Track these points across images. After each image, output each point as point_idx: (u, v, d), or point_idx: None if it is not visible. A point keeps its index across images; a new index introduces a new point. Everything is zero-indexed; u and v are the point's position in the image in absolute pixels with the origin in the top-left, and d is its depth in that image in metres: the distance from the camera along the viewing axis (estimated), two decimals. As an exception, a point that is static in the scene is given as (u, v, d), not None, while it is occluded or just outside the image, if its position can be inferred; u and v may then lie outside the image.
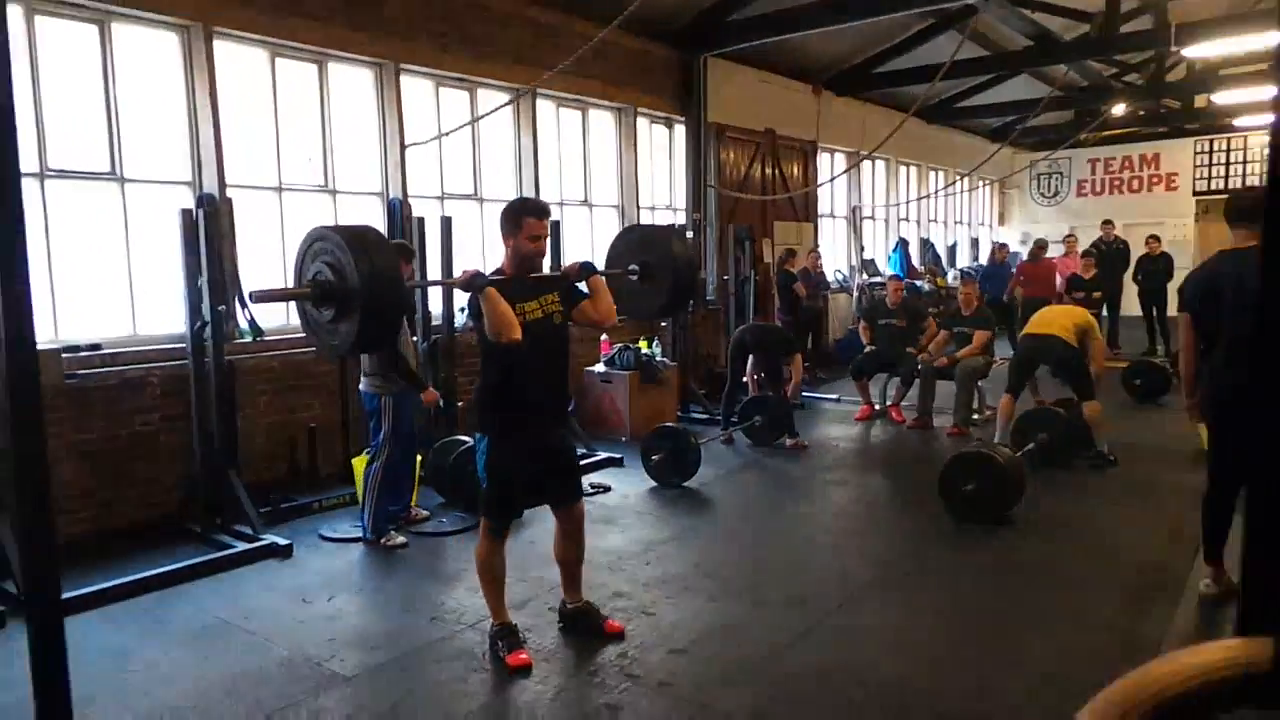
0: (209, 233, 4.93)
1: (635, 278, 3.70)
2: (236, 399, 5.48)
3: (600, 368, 7.60)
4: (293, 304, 3.48)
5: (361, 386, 5.07)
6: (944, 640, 3.65)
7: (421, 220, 6.23)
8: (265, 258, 5.92)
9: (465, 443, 5.69)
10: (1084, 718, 0.77)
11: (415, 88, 6.82)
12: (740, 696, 3.19)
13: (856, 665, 3.41)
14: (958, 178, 15.04)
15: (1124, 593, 4.10)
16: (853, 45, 10.97)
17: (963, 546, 4.76)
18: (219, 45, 5.61)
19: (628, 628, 3.71)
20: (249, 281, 5.48)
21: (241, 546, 4.74)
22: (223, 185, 5.61)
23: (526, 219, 3.26)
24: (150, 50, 5.41)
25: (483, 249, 7.23)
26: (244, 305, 5.53)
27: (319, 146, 6.28)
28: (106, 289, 5.31)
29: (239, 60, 5.80)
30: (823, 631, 3.72)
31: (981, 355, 7.43)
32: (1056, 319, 6.44)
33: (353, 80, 6.48)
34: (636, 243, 3.82)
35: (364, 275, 2.49)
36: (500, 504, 3.41)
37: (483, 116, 6.87)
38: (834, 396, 9.12)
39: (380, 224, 6.55)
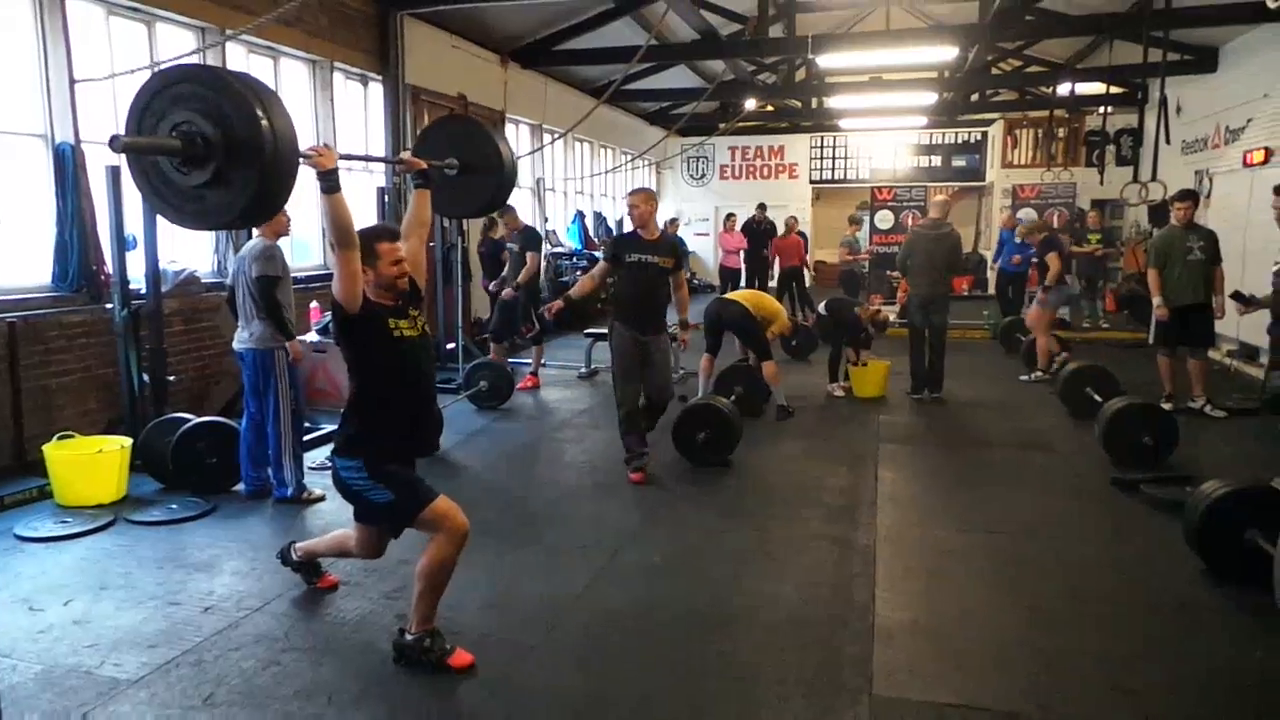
0: None
1: (453, 172, 3.58)
2: None
3: (312, 336, 7.13)
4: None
5: (240, 344, 4.47)
6: (714, 565, 4.14)
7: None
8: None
9: (184, 421, 5.15)
10: None
11: (81, 13, 5.84)
12: (566, 635, 3.41)
13: (652, 597, 3.77)
14: (626, 157, 16.08)
15: (828, 510, 4.94)
16: (537, 20, 11.24)
17: (702, 486, 5.36)
18: None
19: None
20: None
21: (-88, 560, 3.91)
22: None
23: (379, 245, 3.02)
24: None
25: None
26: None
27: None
28: None
29: None
30: (612, 572, 4.04)
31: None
32: (746, 295, 7.38)
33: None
34: (457, 135, 3.63)
35: (268, 131, 2.19)
36: (419, 494, 3.09)
37: (171, 61, 6.07)
38: (541, 362, 9.46)
39: (48, 173, 5.57)
